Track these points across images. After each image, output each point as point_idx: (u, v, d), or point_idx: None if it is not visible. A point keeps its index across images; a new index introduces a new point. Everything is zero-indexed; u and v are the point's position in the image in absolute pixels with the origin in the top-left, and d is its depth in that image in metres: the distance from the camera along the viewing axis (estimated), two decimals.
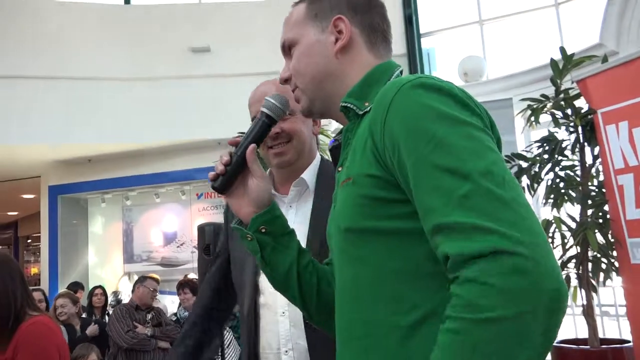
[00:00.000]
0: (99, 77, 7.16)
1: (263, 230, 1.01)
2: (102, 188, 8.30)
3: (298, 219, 1.34)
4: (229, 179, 1.02)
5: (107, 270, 8.81)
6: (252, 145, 1.01)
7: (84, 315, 5.20)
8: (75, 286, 6.13)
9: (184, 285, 5.10)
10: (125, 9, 7.83)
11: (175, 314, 5.13)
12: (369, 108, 0.87)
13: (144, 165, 7.89)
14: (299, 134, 1.35)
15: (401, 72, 0.96)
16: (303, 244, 1.27)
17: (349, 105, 0.92)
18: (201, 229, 3.94)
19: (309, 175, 1.38)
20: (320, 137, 4.96)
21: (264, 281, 1.31)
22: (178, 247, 8.31)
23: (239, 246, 1.41)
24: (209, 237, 3.87)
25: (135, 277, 6.10)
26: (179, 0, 7.99)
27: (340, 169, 0.92)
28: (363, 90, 0.91)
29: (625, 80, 2.86)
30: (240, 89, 7.37)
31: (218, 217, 7.73)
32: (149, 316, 4.49)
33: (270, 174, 1.42)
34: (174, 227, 8.44)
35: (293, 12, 1.03)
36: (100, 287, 5.92)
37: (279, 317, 1.27)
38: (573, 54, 3.24)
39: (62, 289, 6.95)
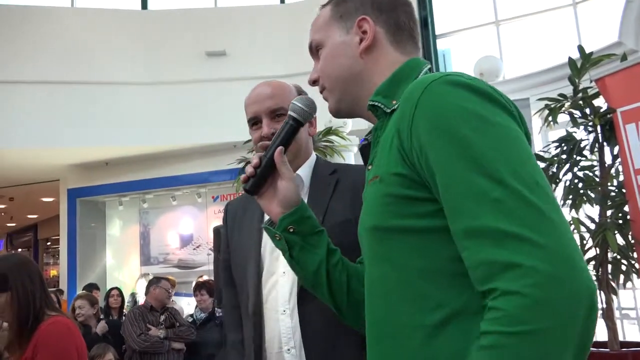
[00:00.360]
0: (116, 82, 7.26)
1: (291, 230, 1.04)
2: (120, 191, 8.40)
3: None
4: (258, 181, 1.05)
5: (124, 272, 8.91)
6: (280, 148, 1.04)
7: (101, 317, 5.27)
8: (90, 287, 6.20)
9: (201, 286, 5.13)
10: (142, 13, 7.93)
11: (191, 316, 5.16)
12: (396, 106, 0.87)
13: (160, 168, 7.97)
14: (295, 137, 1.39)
15: (430, 70, 0.96)
16: None
17: (376, 103, 0.92)
18: (217, 230, 3.97)
19: (304, 172, 1.41)
20: (335, 138, 4.96)
21: (265, 281, 1.33)
22: (194, 249, 8.37)
23: (240, 247, 1.43)
24: (224, 238, 3.92)
25: None
26: (195, 4, 8.06)
27: (369, 167, 0.92)
28: (390, 88, 0.91)
29: None
30: None
31: None
32: (162, 317, 4.52)
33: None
34: (190, 229, 8.50)
35: (320, 14, 1.04)
36: (116, 288, 5.99)
37: (280, 316, 1.28)
38: (592, 53, 3.19)
39: (80, 290, 7.04)
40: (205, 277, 6.31)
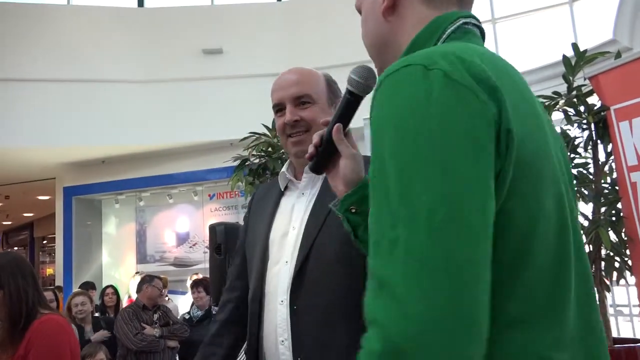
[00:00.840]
0: (112, 80, 7.25)
1: (353, 211, 0.97)
2: (116, 189, 8.40)
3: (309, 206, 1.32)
4: (320, 160, 1.00)
5: (120, 270, 8.91)
6: (337, 125, 0.97)
7: (96, 314, 5.27)
8: (87, 286, 6.20)
9: (198, 284, 5.13)
10: (138, 11, 7.92)
11: (188, 313, 5.16)
12: None
13: (156, 166, 7.97)
14: (318, 124, 1.29)
15: (468, 24, 0.77)
16: (302, 230, 1.27)
17: None
18: (212, 228, 3.96)
19: None
20: None
21: (269, 268, 1.31)
22: (190, 247, 8.37)
23: (253, 232, 1.41)
24: (220, 236, 3.90)
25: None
26: (191, 2, 8.05)
27: None
28: None
29: (638, 76, 2.82)
30: (252, 89, 7.45)
31: (230, 218, 7.77)
32: (156, 316, 4.52)
33: (290, 164, 1.41)
34: (186, 227, 8.50)
35: None
36: (111, 286, 5.97)
37: (278, 306, 1.25)
38: (586, 50, 3.20)
39: (76, 289, 7.04)
40: (200, 275, 6.30)
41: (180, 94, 7.30)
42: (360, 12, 0.89)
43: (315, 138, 0.99)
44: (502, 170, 0.63)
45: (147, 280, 4.70)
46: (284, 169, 1.40)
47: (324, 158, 1.00)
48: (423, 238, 0.57)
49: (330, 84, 1.38)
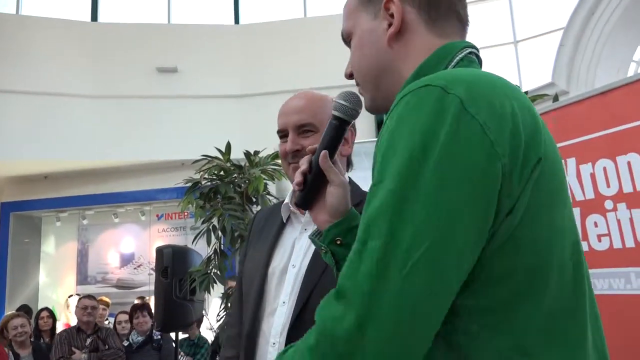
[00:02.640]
0: (59, 93, 7.03)
1: (338, 242, 0.91)
2: (58, 206, 8.07)
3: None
4: (309, 193, 0.94)
5: (58, 291, 8.50)
6: (324, 152, 0.91)
7: (32, 340, 5.00)
8: (23, 309, 5.88)
9: (141, 307, 4.95)
10: (92, 25, 7.76)
11: (127, 339, 4.92)
12: None
13: (103, 183, 7.73)
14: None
15: (472, 53, 0.79)
16: (302, 270, 1.20)
17: None
18: (159, 251, 3.89)
19: None
20: None
21: (265, 306, 1.25)
22: (135, 268, 8.11)
23: (252, 262, 1.34)
24: (167, 259, 3.83)
25: None
26: (148, 19, 7.97)
27: None
28: None
29: (573, 119, 3.01)
30: (206, 110, 7.41)
31: (178, 239, 7.61)
32: (89, 340, 4.36)
33: (293, 193, 1.30)
34: (131, 248, 8.25)
35: None
36: (46, 309, 5.69)
37: (270, 348, 1.18)
38: (526, 92, 3.40)
39: (9, 310, 6.65)
40: (144, 299, 6.11)
41: (131, 111, 7.17)
42: (347, 38, 0.88)
43: (304, 164, 0.93)
44: (516, 203, 0.62)
45: (79, 301, 4.59)
46: (287, 199, 1.34)
47: (313, 189, 0.94)
48: (393, 263, 0.58)
49: None
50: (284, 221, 1.32)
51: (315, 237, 0.97)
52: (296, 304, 1.17)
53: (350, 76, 0.90)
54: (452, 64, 0.76)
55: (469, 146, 0.60)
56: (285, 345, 1.12)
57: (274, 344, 1.18)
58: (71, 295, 6.97)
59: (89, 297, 4.72)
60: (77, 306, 4.54)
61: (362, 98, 0.92)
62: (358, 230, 0.63)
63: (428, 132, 0.60)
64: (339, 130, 0.93)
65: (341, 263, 0.90)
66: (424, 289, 0.58)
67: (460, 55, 0.76)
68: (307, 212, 1.14)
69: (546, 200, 0.66)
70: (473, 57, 0.79)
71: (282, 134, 1.29)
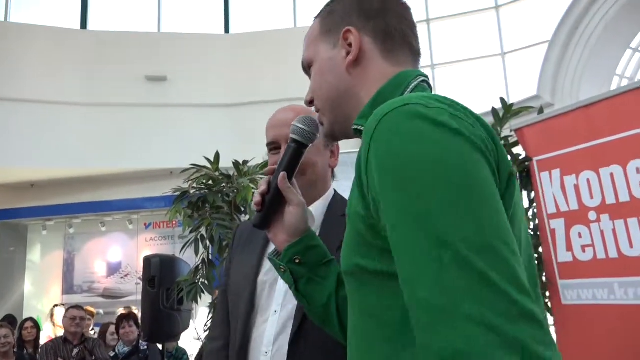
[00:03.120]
0: (48, 101, 6.99)
1: (297, 261, 0.94)
2: (45, 215, 7.99)
3: None
4: (267, 213, 0.97)
5: (44, 301, 8.39)
6: (282, 174, 0.95)
7: (15, 350, 4.93)
8: (8, 319, 5.79)
9: (127, 317, 4.91)
10: (81, 33, 7.75)
11: (113, 349, 4.88)
12: None
13: (90, 192, 7.68)
14: (312, 167, 1.26)
15: (425, 82, 0.84)
16: None
17: (360, 128, 0.80)
18: (147, 260, 3.86)
19: (318, 208, 1.29)
20: None
21: (255, 317, 1.25)
22: (122, 278, 8.04)
23: (238, 275, 1.34)
24: (154, 269, 3.80)
25: None
26: (137, 28, 7.97)
27: None
28: (373, 109, 0.74)
29: (558, 131, 3.06)
30: (195, 119, 7.41)
31: (166, 248, 7.57)
32: (76, 351, 4.32)
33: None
34: (118, 257, 8.18)
35: (311, 27, 0.94)
36: (30, 319, 5.60)
37: (262, 357, 1.18)
38: (512, 104, 3.44)
39: None
40: (133, 309, 6.05)
41: (120, 119, 7.15)
42: (308, 67, 0.92)
43: (262, 186, 0.96)
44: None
45: (66, 311, 4.55)
46: None
47: (271, 210, 0.97)
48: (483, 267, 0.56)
49: None
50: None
51: (273, 256, 0.99)
52: (295, 316, 1.17)
53: (310, 103, 0.93)
54: (408, 90, 0.80)
55: (471, 152, 0.63)
56: (279, 353, 1.13)
57: (266, 352, 1.18)
58: (56, 305, 6.88)
59: (77, 307, 4.67)
60: (65, 316, 4.47)
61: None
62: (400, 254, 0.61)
63: (435, 152, 0.62)
64: (297, 153, 0.98)
65: (300, 282, 0.94)
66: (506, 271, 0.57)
67: (415, 83, 0.81)
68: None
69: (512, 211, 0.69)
70: (425, 85, 0.84)
71: (273, 146, 1.31)
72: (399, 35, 0.85)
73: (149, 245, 7.92)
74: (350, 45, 0.85)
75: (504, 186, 0.67)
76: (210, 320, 3.26)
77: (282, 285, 1.22)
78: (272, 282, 1.24)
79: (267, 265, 1.26)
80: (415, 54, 0.87)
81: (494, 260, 0.56)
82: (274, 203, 0.97)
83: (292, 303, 1.17)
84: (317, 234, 1.22)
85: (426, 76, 0.85)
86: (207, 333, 3.35)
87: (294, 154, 0.98)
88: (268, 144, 1.33)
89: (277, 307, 1.21)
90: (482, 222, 0.58)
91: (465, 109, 0.69)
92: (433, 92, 0.82)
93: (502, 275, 0.55)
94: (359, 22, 0.85)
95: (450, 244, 0.57)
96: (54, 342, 4.37)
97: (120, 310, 6.12)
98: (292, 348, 1.15)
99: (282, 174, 0.96)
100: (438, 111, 0.65)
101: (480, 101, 6.14)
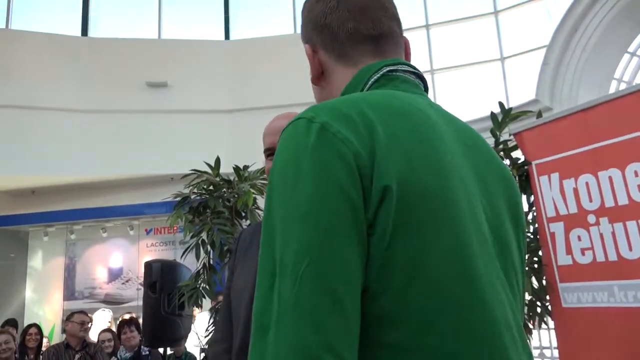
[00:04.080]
0: (49, 107, 7.02)
1: None
2: (46, 221, 8.01)
3: None
4: None
5: (45, 307, 8.39)
6: None
7: (16, 356, 4.93)
8: (8, 323, 5.80)
9: (129, 322, 4.91)
10: (81, 40, 7.79)
11: (115, 355, 4.89)
12: None
13: (91, 198, 7.69)
14: None
15: (392, 71, 0.79)
16: None
17: None
18: (148, 265, 3.87)
19: None
20: None
21: None
22: (123, 283, 8.05)
23: (241, 277, 1.36)
24: (156, 274, 3.81)
25: None
26: (138, 34, 8.01)
27: None
28: None
29: (557, 135, 3.07)
30: (195, 125, 7.43)
31: (167, 254, 7.57)
32: (78, 356, 4.33)
33: None
34: (119, 263, 8.19)
35: None
36: (35, 325, 5.61)
37: None
38: (511, 109, 3.46)
39: None
40: (134, 314, 6.05)
41: (121, 125, 7.17)
42: None
43: None
44: (375, 220, 0.62)
45: (68, 317, 4.55)
46: None
47: None
48: (289, 287, 0.60)
49: None
50: None
51: None
52: None
53: None
54: (367, 87, 0.78)
55: (331, 166, 0.62)
56: None
57: None
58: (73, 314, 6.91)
59: (83, 312, 4.69)
60: (72, 321, 4.44)
61: None
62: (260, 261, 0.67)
63: (295, 162, 0.64)
64: None
65: None
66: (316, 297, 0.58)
67: (375, 77, 0.78)
68: None
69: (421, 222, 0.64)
70: (396, 74, 0.80)
71: (270, 152, 1.35)
72: (344, 35, 0.81)
73: (150, 250, 7.92)
74: None
75: (377, 199, 0.62)
76: (212, 325, 3.27)
77: None
78: None
79: None
80: (373, 39, 0.81)
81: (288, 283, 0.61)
82: None
83: None
84: None
85: (399, 63, 0.81)
86: (207, 338, 3.36)
87: None
88: (265, 151, 1.37)
89: None
90: (295, 242, 0.61)
91: (354, 117, 0.65)
92: (414, 80, 0.80)
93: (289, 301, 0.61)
94: (314, 34, 0.85)
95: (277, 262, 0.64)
96: (56, 348, 4.37)
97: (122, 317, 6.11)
98: None
99: None
100: (315, 126, 0.64)
101: (480, 106, 6.17)
